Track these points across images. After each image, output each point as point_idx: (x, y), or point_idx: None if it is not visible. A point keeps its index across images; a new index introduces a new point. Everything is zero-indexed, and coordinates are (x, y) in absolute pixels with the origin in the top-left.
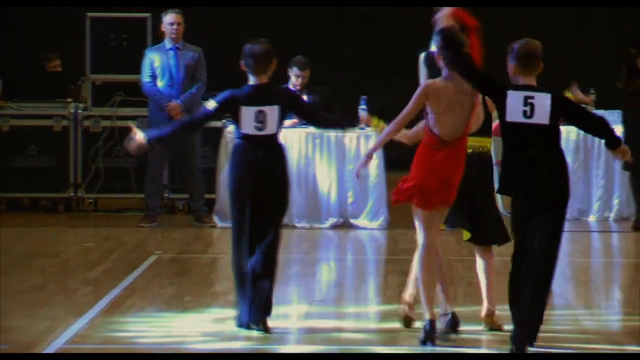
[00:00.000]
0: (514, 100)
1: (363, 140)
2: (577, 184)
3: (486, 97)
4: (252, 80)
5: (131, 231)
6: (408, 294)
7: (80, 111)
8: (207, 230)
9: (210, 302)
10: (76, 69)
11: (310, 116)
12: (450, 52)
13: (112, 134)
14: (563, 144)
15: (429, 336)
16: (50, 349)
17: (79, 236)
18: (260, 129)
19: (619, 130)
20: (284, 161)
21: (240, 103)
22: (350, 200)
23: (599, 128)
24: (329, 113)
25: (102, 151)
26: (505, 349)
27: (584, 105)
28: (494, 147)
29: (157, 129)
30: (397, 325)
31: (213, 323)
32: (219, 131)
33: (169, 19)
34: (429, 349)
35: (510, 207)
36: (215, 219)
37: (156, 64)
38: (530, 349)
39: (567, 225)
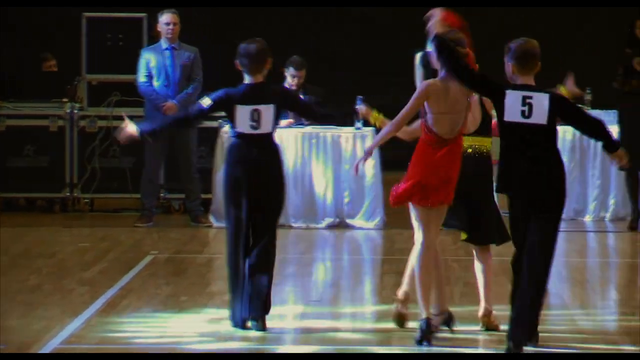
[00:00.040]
0: (512, 100)
1: (359, 140)
2: (573, 184)
3: (483, 97)
4: (247, 79)
5: (127, 231)
6: (401, 291)
7: (76, 111)
8: (203, 230)
9: (207, 302)
10: (72, 69)
11: (306, 112)
12: (445, 59)
13: (108, 134)
14: (559, 143)
15: (425, 335)
16: (46, 349)
17: (75, 236)
18: (255, 128)
19: (614, 130)
20: (279, 160)
21: (235, 102)
22: (346, 200)
23: (596, 130)
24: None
25: (98, 151)
26: (502, 349)
27: (580, 106)
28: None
29: (150, 123)
30: (393, 325)
31: (209, 323)
32: (215, 131)
33: (165, 19)
34: (425, 349)
35: (508, 207)
36: (212, 219)
37: (152, 64)
38: (527, 349)
39: (563, 225)
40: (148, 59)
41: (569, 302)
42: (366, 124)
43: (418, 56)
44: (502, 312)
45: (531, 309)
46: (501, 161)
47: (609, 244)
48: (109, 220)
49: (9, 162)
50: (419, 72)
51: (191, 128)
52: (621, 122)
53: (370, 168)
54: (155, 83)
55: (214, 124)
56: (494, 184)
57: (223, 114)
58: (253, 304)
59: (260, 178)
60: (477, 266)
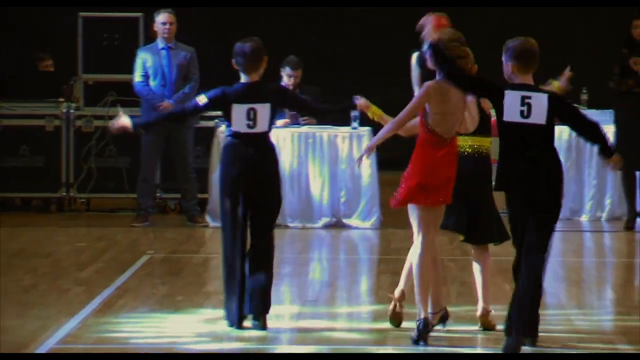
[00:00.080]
0: (511, 100)
1: (355, 140)
2: (570, 183)
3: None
4: (243, 78)
5: (123, 231)
6: (398, 289)
7: (72, 111)
8: (200, 230)
9: (203, 302)
10: (68, 69)
11: (304, 107)
12: (440, 67)
13: (105, 133)
14: (556, 143)
15: (422, 335)
16: (42, 349)
17: (71, 236)
18: (251, 127)
19: (610, 130)
20: (275, 159)
21: (231, 100)
22: (342, 200)
23: (592, 133)
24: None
25: (94, 151)
26: (500, 348)
27: (576, 105)
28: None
29: (144, 116)
30: (389, 325)
31: (205, 323)
32: (212, 131)
33: (161, 19)
34: (421, 349)
35: (506, 207)
36: (208, 218)
37: (148, 64)
38: (525, 349)
39: (559, 225)
40: (144, 59)
41: (566, 302)
42: (362, 123)
43: (415, 56)
44: (500, 312)
45: (531, 308)
46: (500, 161)
47: (605, 243)
48: (105, 220)
49: (5, 161)
50: (415, 72)
51: (185, 124)
52: (617, 121)
53: (367, 168)
54: (152, 83)
55: (210, 123)
56: (493, 184)
57: (219, 112)
58: (253, 303)
59: (256, 177)
60: (475, 266)
